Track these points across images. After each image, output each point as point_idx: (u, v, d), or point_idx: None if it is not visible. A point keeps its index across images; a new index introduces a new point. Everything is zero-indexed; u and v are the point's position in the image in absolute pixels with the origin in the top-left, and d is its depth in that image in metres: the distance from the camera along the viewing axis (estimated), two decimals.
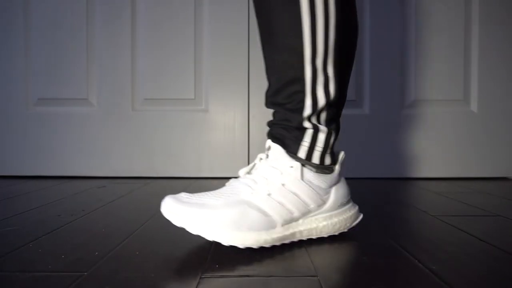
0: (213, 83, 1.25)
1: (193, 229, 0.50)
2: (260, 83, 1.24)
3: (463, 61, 1.24)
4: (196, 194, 0.54)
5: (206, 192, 0.55)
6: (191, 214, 0.50)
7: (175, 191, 0.98)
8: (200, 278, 0.43)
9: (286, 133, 0.57)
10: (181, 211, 0.51)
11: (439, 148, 1.24)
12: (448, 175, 1.24)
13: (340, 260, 0.49)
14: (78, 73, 1.25)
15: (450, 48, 1.23)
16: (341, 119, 1.23)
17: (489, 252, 0.52)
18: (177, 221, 0.51)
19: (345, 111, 1.23)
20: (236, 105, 1.25)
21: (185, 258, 0.49)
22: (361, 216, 0.62)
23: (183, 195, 0.54)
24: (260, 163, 0.56)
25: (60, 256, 0.49)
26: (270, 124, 0.60)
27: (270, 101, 0.59)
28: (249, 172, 0.56)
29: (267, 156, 0.56)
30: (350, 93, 1.24)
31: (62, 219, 0.69)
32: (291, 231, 0.54)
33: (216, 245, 0.55)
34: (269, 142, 0.57)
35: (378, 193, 0.99)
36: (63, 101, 1.26)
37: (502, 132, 1.24)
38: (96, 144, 1.25)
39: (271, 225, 0.52)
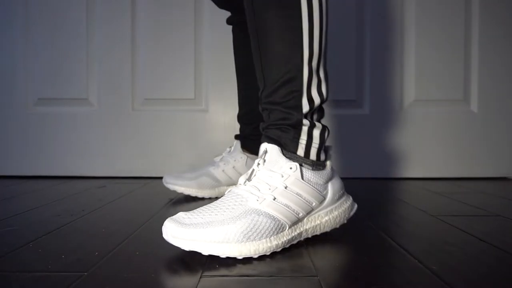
0: (213, 83, 1.25)
1: (205, 251, 0.48)
2: None
3: (463, 61, 1.24)
4: (195, 211, 0.52)
5: (205, 207, 0.53)
6: (200, 236, 0.48)
7: (175, 191, 0.98)
8: (200, 278, 0.43)
9: (282, 133, 0.57)
10: (188, 235, 0.48)
11: (439, 148, 1.24)
12: (448, 175, 1.24)
13: (340, 260, 0.49)
14: (78, 73, 1.25)
15: (450, 48, 1.23)
16: (340, 119, 1.23)
17: (489, 252, 0.52)
18: (186, 246, 0.49)
19: (345, 111, 1.23)
20: (236, 105, 1.24)
21: (185, 258, 0.49)
22: (356, 206, 0.63)
23: (183, 216, 0.51)
24: (259, 168, 0.55)
25: (60, 256, 0.49)
26: (264, 127, 0.60)
27: (267, 101, 0.59)
28: (249, 179, 0.55)
29: (264, 160, 0.56)
30: (350, 93, 1.24)
31: (62, 219, 0.69)
32: (298, 231, 0.55)
33: None
34: (264, 145, 0.57)
35: (378, 193, 0.99)
36: (63, 101, 1.26)
37: (502, 132, 1.24)
38: (96, 144, 1.25)
39: (280, 229, 0.52)
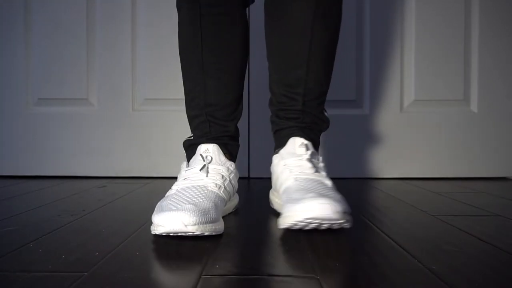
0: None
1: None
2: (260, 83, 1.23)
3: (463, 61, 1.23)
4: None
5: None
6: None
7: None
8: (200, 278, 0.43)
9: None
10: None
11: (439, 148, 1.24)
12: (448, 175, 1.24)
13: (340, 260, 0.49)
14: (78, 73, 1.25)
15: (450, 48, 1.23)
16: (340, 119, 1.23)
17: (489, 252, 0.52)
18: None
19: (345, 111, 1.23)
20: None
21: (185, 258, 0.49)
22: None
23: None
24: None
25: (60, 256, 0.49)
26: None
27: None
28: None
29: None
30: (350, 93, 1.24)
31: (62, 219, 0.69)
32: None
33: (216, 245, 0.55)
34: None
35: (377, 193, 0.99)
36: (63, 101, 1.26)
37: (502, 132, 1.24)
38: (96, 144, 1.25)
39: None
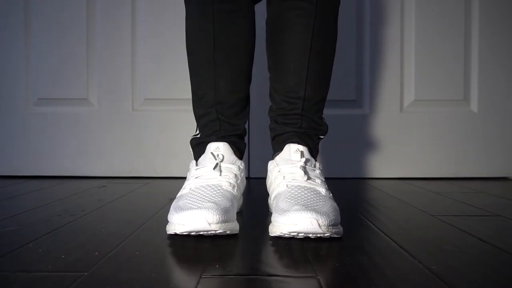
0: None
1: None
2: (260, 84, 1.23)
3: (463, 61, 1.23)
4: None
5: None
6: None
7: (175, 191, 0.98)
8: (200, 278, 0.42)
9: None
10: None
11: (439, 148, 1.24)
12: (448, 175, 1.24)
13: (340, 260, 0.49)
14: (78, 73, 1.25)
15: (450, 48, 1.23)
16: (340, 119, 1.23)
17: (489, 252, 0.52)
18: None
19: (345, 111, 1.23)
20: None
21: (185, 258, 0.49)
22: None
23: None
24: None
25: (60, 256, 0.49)
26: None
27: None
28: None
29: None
30: (350, 93, 1.24)
31: (62, 219, 0.69)
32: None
33: (216, 245, 0.55)
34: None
35: (377, 193, 0.99)
36: (63, 101, 1.25)
37: (502, 132, 1.24)
38: (96, 144, 1.25)
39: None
